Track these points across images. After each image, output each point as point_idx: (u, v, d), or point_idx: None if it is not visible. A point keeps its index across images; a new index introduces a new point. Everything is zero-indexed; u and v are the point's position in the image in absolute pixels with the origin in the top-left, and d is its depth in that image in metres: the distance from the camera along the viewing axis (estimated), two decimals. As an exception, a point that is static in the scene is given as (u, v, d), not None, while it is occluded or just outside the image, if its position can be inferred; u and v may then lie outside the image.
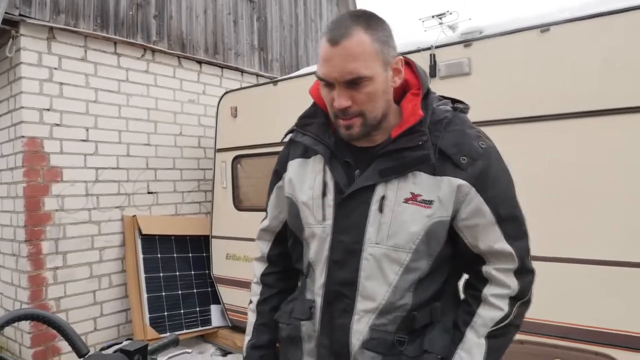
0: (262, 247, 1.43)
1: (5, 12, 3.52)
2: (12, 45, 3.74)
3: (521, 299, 1.14)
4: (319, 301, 1.19)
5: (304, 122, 1.25)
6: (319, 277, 1.20)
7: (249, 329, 1.40)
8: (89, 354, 1.01)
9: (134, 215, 4.35)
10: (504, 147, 3.01)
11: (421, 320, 1.14)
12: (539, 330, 2.53)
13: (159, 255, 4.35)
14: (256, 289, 1.42)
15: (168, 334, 4.12)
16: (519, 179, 2.69)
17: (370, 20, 1.07)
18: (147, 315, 4.09)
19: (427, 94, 1.17)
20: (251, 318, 1.40)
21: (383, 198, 1.11)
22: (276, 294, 1.40)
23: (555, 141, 2.53)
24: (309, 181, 1.22)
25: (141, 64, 4.53)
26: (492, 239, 1.11)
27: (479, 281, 1.17)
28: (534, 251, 1.17)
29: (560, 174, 2.51)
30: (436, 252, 1.12)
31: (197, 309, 4.42)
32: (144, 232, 4.27)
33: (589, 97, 2.44)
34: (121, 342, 1.03)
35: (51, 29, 3.87)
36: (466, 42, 2.84)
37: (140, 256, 4.23)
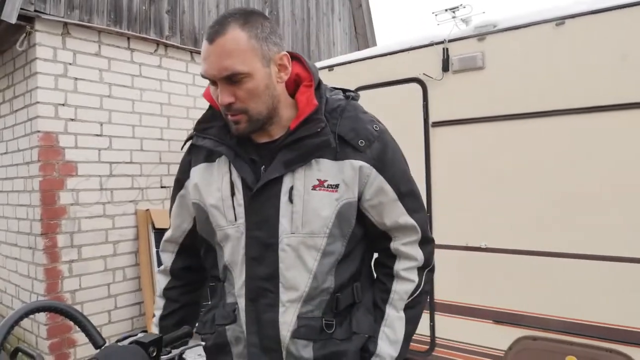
0: (166, 260, 1.42)
1: (21, 9, 3.57)
2: (27, 40, 3.79)
3: (427, 267, 1.25)
4: (241, 301, 1.18)
5: (203, 126, 1.24)
6: (239, 278, 1.18)
7: None
8: (105, 345, 1.02)
9: (147, 209, 4.39)
10: (518, 142, 2.95)
11: (345, 301, 1.19)
12: (552, 326, 2.51)
13: (172, 249, 4.38)
14: (159, 302, 1.41)
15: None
16: (533, 174, 2.65)
17: (248, 17, 1.09)
18: (160, 308, 4.13)
19: (319, 85, 1.22)
20: (154, 332, 1.39)
21: (292, 188, 1.14)
22: (179, 308, 1.39)
23: (570, 136, 2.50)
24: (216, 183, 1.21)
25: (154, 59, 4.55)
26: (396, 214, 1.20)
27: (388, 258, 1.26)
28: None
29: (574, 169, 2.48)
30: (349, 234, 1.18)
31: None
32: (157, 226, 4.31)
33: (605, 92, 2.40)
34: (136, 334, 1.04)
35: (65, 24, 3.91)
36: (480, 36, 2.81)
37: (154, 250, 4.27)
